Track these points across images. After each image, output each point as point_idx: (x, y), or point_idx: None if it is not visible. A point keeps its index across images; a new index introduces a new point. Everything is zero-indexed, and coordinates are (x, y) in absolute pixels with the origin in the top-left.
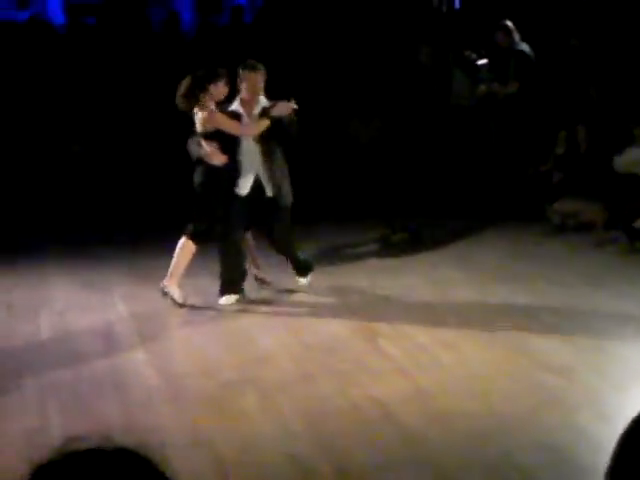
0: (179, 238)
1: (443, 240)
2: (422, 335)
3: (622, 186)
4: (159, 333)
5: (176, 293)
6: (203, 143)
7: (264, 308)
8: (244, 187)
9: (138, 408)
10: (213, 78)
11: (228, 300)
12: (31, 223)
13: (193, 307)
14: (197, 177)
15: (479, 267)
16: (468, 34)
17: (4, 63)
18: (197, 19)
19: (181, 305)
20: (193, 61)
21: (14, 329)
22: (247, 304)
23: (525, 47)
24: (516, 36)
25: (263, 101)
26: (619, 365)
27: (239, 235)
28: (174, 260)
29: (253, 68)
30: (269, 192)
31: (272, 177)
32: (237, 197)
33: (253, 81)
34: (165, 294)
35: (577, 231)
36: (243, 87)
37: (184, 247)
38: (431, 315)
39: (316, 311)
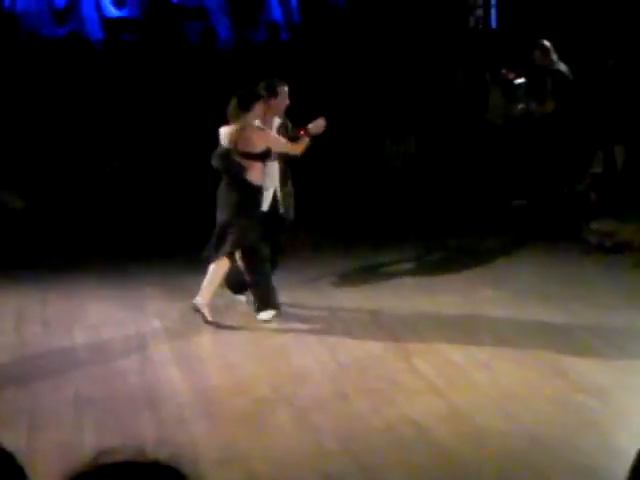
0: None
1: (478, 259)
2: (457, 354)
3: None
4: (193, 349)
5: (206, 310)
6: (244, 161)
7: (299, 326)
8: (265, 204)
9: (172, 424)
10: (257, 98)
11: (268, 315)
12: (65, 239)
13: (227, 324)
14: (235, 195)
15: (514, 286)
16: (505, 53)
17: (43, 79)
18: (233, 35)
19: (210, 322)
20: (229, 77)
21: (49, 344)
22: (282, 322)
23: (562, 67)
24: (554, 56)
25: (277, 120)
26: None
27: (266, 250)
28: (208, 276)
29: (282, 91)
30: (281, 209)
31: (285, 194)
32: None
33: (282, 103)
34: (197, 310)
35: (613, 251)
36: (269, 107)
37: (218, 264)
38: (466, 334)
39: (351, 329)
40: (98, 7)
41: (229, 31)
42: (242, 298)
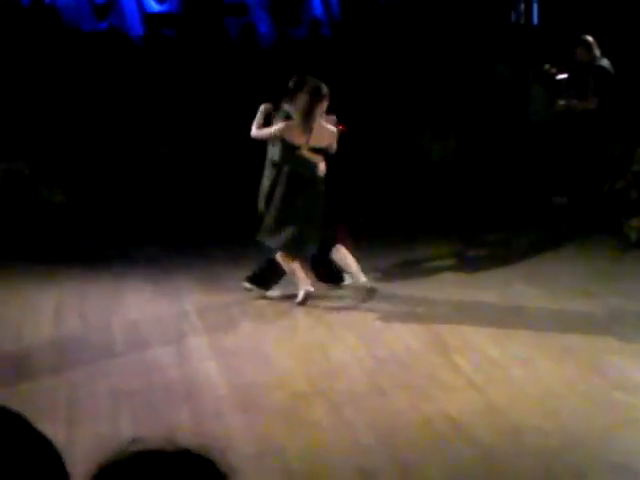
0: (254, 251)
1: (517, 255)
2: (494, 350)
3: None
4: (230, 343)
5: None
6: (315, 157)
7: (337, 320)
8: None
9: (209, 417)
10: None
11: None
12: (105, 234)
13: (265, 318)
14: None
15: (553, 283)
16: (547, 49)
17: (84, 73)
18: (274, 31)
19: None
20: (269, 73)
21: (88, 338)
22: (320, 316)
23: (605, 63)
24: (597, 51)
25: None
26: None
27: None
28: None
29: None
30: None
31: None
32: None
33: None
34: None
35: None
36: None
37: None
38: (504, 330)
39: (389, 324)
40: (139, 2)
41: (270, 27)
42: (347, 279)
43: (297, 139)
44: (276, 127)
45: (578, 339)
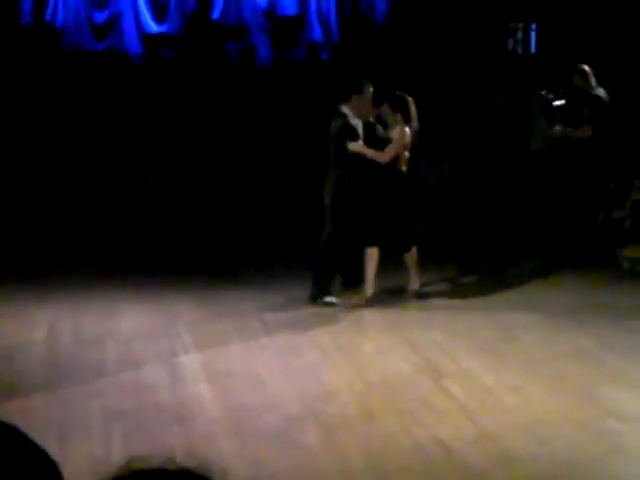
0: (246, 272)
1: (511, 282)
2: (487, 376)
3: None
4: (223, 365)
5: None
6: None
7: (330, 343)
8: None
9: (201, 440)
10: None
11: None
12: (101, 253)
13: (258, 340)
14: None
15: (547, 311)
16: (544, 77)
17: (82, 92)
18: (273, 54)
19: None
20: (268, 95)
21: (81, 357)
22: (313, 339)
23: (601, 92)
24: (592, 80)
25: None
26: None
27: None
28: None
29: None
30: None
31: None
32: None
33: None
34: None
35: None
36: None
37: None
38: (497, 357)
39: (380, 348)
40: (138, 22)
41: (269, 50)
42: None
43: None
44: (396, 140)
45: (571, 368)
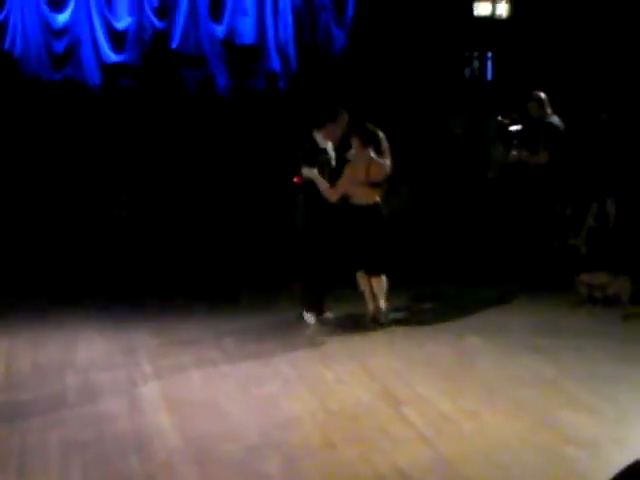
0: (205, 302)
1: (469, 308)
2: (445, 403)
3: None
4: (184, 394)
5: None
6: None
7: (289, 373)
8: None
9: (160, 469)
10: None
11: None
12: (59, 281)
13: (218, 369)
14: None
15: (505, 337)
16: (501, 104)
17: (39, 122)
18: (232, 83)
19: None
20: (227, 124)
21: (39, 386)
22: (274, 368)
23: (556, 119)
24: (548, 108)
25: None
26: None
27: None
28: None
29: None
30: None
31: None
32: None
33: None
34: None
35: (604, 304)
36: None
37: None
38: (455, 384)
39: (340, 377)
40: (97, 52)
41: (227, 79)
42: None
43: (360, 176)
44: (344, 175)
45: (529, 393)
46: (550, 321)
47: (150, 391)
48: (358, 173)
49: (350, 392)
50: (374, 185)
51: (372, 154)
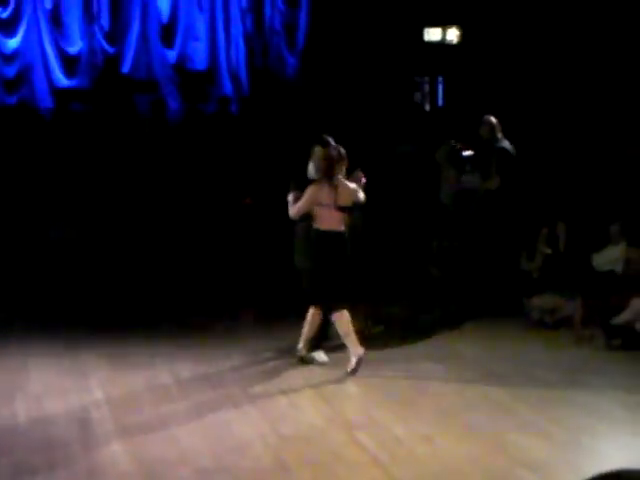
0: (157, 328)
1: (420, 332)
2: (398, 427)
3: (600, 283)
4: (135, 419)
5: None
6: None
7: (242, 396)
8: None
9: None
10: None
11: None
12: (9, 307)
13: (170, 394)
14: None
15: (457, 361)
16: (451, 129)
17: None
18: (184, 107)
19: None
20: (179, 147)
21: None
22: (225, 392)
23: (506, 144)
24: (498, 133)
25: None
26: (595, 461)
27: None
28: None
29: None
30: None
31: None
32: None
33: None
34: (302, 361)
35: (555, 327)
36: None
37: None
38: (408, 407)
39: (293, 401)
40: (49, 76)
41: (179, 103)
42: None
43: (325, 199)
44: (306, 194)
45: (481, 417)
46: (502, 345)
47: (101, 416)
48: (322, 195)
49: (303, 416)
50: (341, 210)
51: (340, 176)
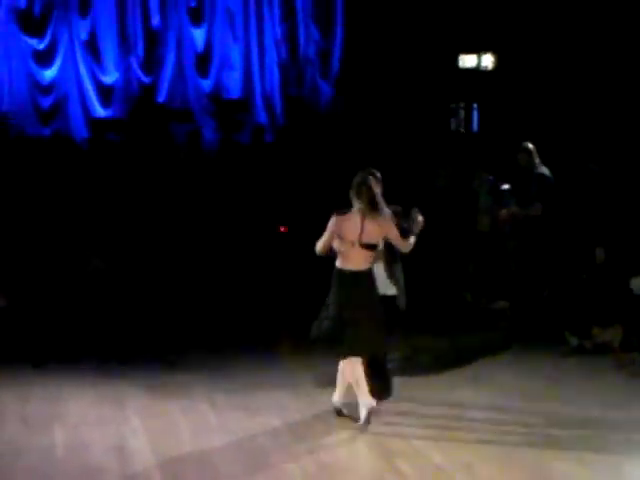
0: (195, 357)
1: (459, 358)
2: (438, 455)
3: (639, 308)
4: (173, 448)
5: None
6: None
7: (280, 427)
8: None
9: None
10: None
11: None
12: (48, 336)
13: (208, 423)
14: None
15: (496, 387)
16: (487, 156)
17: (28, 178)
18: (219, 136)
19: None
20: (215, 177)
21: (29, 442)
22: (263, 423)
23: (545, 170)
24: (536, 158)
25: None
26: None
27: None
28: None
29: None
30: None
31: None
32: None
33: None
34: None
35: (594, 352)
36: None
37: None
38: (447, 435)
39: (332, 429)
40: (84, 106)
41: (215, 133)
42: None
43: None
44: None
45: (520, 444)
46: (541, 371)
47: (139, 445)
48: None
49: (342, 444)
50: (367, 248)
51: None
